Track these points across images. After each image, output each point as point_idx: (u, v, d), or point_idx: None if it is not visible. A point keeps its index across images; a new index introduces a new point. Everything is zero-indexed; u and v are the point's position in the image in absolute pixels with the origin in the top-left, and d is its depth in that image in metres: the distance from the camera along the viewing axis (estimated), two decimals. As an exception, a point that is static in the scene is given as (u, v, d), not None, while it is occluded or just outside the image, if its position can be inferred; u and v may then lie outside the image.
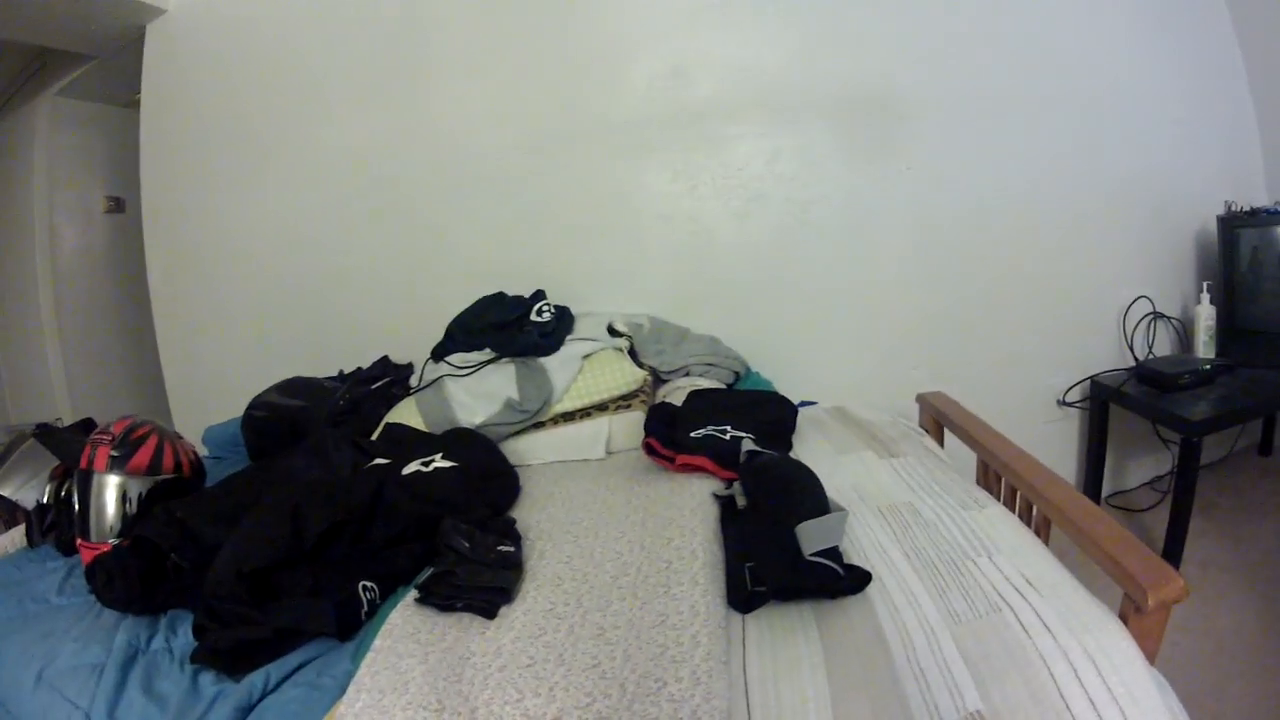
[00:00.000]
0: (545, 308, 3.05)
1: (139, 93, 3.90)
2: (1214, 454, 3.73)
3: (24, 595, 2.11)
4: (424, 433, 2.66)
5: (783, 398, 2.70)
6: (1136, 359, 3.49)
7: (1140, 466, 3.84)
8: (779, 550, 1.66)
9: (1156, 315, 3.52)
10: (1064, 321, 3.53)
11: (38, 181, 4.67)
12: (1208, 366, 3.21)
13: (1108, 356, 3.56)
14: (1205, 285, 3.40)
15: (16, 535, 2.47)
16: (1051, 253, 3.45)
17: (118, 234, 5.00)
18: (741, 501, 1.99)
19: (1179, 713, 1.37)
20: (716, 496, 2.08)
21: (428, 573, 1.83)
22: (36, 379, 4.92)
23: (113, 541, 2.10)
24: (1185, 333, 3.59)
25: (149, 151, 3.93)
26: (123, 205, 4.99)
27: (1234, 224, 3.36)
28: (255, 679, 1.61)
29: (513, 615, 1.68)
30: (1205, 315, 3.41)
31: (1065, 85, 3.32)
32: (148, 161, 3.94)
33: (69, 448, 2.44)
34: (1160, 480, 3.79)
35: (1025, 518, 2.06)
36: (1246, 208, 3.34)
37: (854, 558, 1.75)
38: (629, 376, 2.79)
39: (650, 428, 2.38)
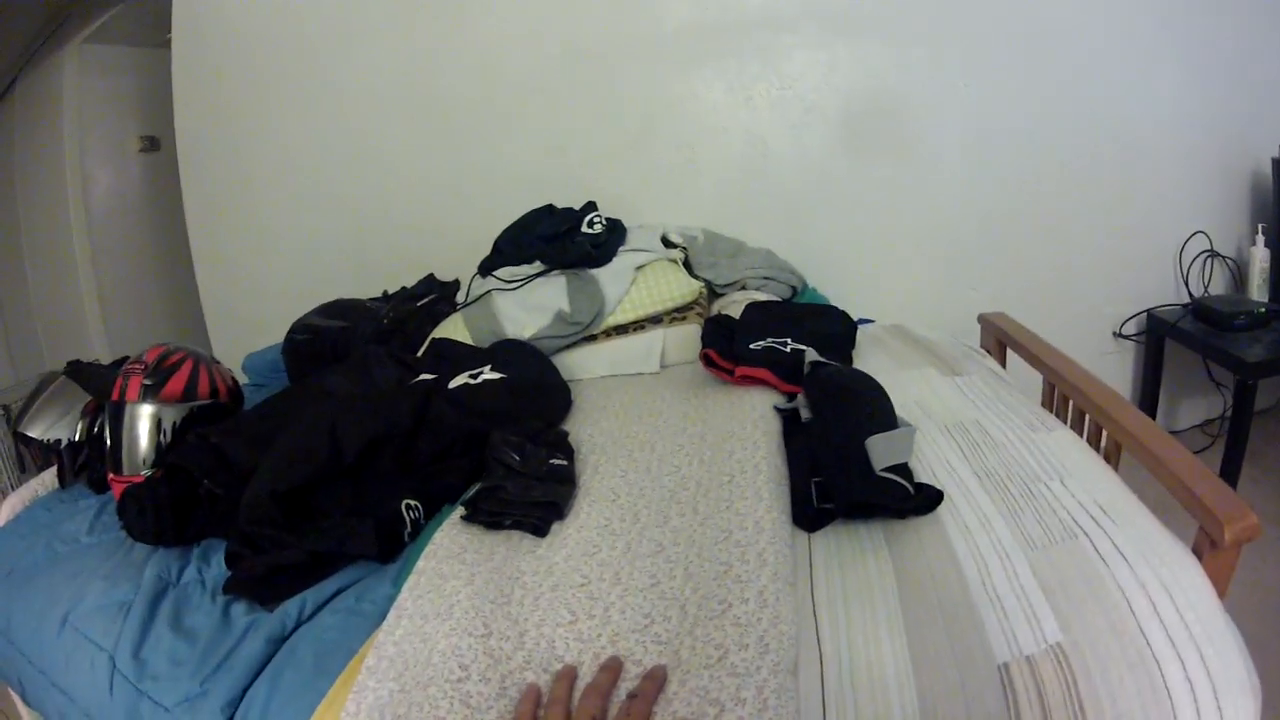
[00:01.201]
0: (596, 219, 2.98)
1: (169, 33, 3.84)
2: (1263, 402, 3.64)
3: (52, 537, 2.05)
4: (471, 346, 2.60)
5: (842, 311, 2.63)
6: (1191, 295, 3.45)
7: (1192, 409, 3.82)
8: (848, 464, 1.59)
9: (1213, 253, 3.47)
10: (1121, 251, 3.49)
11: (67, 129, 4.64)
12: (1263, 309, 3.16)
13: (1163, 291, 3.53)
14: (1260, 228, 3.35)
15: (48, 478, 2.41)
16: (1109, 182, 3.40)
17: (153, 173, 4.99)
18: (805, 414, 1.92)
19: (1248, 658, 1.30)
20: (778, 410, 2.01)
21: (475, 489, 1.77)
22: (73, 323, 4.93)
23: (145, 473, 2.03)
24: (1239, 274, 3.53)
25: (183, 89, 3.88)
26: (157, 144, 4.96)
27: (1289, 167, 3.28)
28: (290, 607, 1.55)
29: (565, 532, 1.62)
30: (1260, 258, 3.36)
31: (1124, 17, 3.24)
32: (182, 99, 3.89)
33: (100, 381, 2.40)
34: (1211, 424, 3.76)
35: (1093, 443, 2.00)
36: (1301, 151, 3.27)
37: (923, 476, 1.68)
38: (685, 287, 2.72)
39: (708, 339, 2.31)
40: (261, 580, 1.62)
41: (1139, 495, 1.64)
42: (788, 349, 2.19)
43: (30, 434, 2.36)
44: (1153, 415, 3.56)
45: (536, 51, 3.45)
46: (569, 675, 1.21)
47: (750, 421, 1.92)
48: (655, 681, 1.17)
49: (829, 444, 1.69)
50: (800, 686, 1.20)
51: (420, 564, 1.54)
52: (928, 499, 1.57)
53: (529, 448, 1.80)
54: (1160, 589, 1.32)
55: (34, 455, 2.47)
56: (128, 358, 2.23)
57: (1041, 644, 1.25)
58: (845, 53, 3.31)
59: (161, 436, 2.08)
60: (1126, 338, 3.60)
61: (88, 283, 4.78)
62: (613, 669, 1.21)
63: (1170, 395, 3.70)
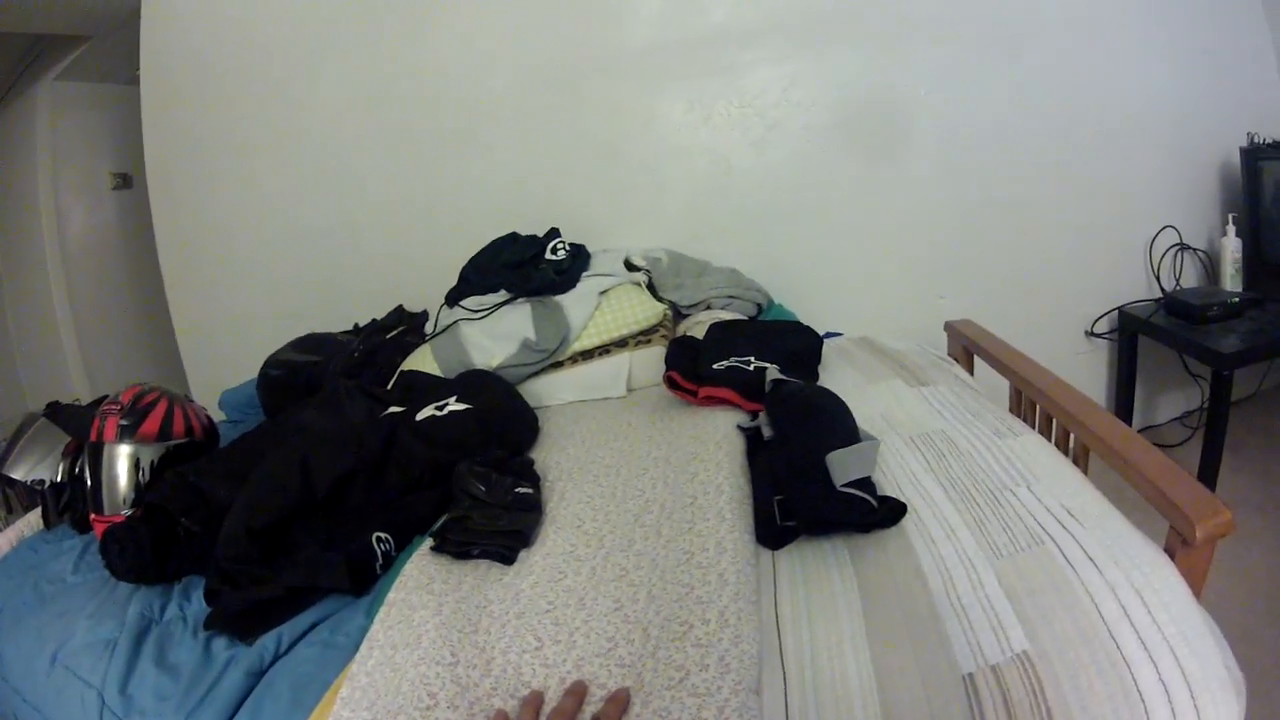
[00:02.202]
0: (560, 245, 3.01)
1: (138, 69, 3.85)
2: (1240, 391, 3.66)
3: (39, 578, 2.07)
4: (438, 377, 2.61)
5: (807, 327, 2.63)
6: (1164, 290, 3.44)
7: (1169, 402, 3.81)
8: (809, 481, 1.59)
9: (1183, 246, 3.47)
10: (1090, 250, 3.48)
11: (41, 167, 4.63)
12: (1235, 299, 3.15)
13: (1135, 287, 3.52)
14: (1231, 217, 3.34)
15: (33, 519, 2.42)
16: (1077, 180, 3.40)
17: (126, 210, 4.98)
18: (768, 432, 1.92)
19: (1229, 656, 1.30)
20: (742, 429, 2.01)
21: (443, 520, 1.78)
22: (53, 362, 4.91)
23: (126, 512, 2.05)
24: (1212, 265, 3.53)
25: (152, 124, 3.88)
26: (130, 181, 4.95)
27: (1257, 156, 3.28)
28: (267, 641, 1.58)
29: (531, 560, 1.63)
30: (1231, 248, 3.34)
31: (1087, 12, 3.25)
32: (151, 134, 3.89)
33: (79, 422, 2.40)
34: (1190, 416, 3.76)
35: (1062, 447, 2.00)
36: (1269, 140, 3.26)
37: (887, 489, 1.69)
38: (648, 310, 2.73)
39: (672, 361, 2.31)
40: (240, 615, 1.63)
41: (1117, 497, 1.64)
42: (751, 367, 2.19)
43: (13, 476, 2.37)
44: (1129, 411, 3.58)
45: (499, 79, 3.47)
46: (535, 701, 1.23)
47: (714, 442, 1.93)
48: (618, 704, 1.18)
49: (790, 461, 1.69)
50: (764, 705, 1.21)
51: (391, 595, 1.56)
52: (891, 512, 1.58)
53: (494, 477, 1.81)
54: (1131, 591, 1.32)
55: (19, 497, 2.48)
56: (106, 397, 2.24)
57: (1007, 653, 1.26)
58: (805, 68, 3.31)
59: (140, 476, 2.10)
60: (1099, 336, 3.60)
61: (65, 321, 4.77)
62: (577, 693, 1.23)
63: (1147, 390, 3.70)
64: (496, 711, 1.23)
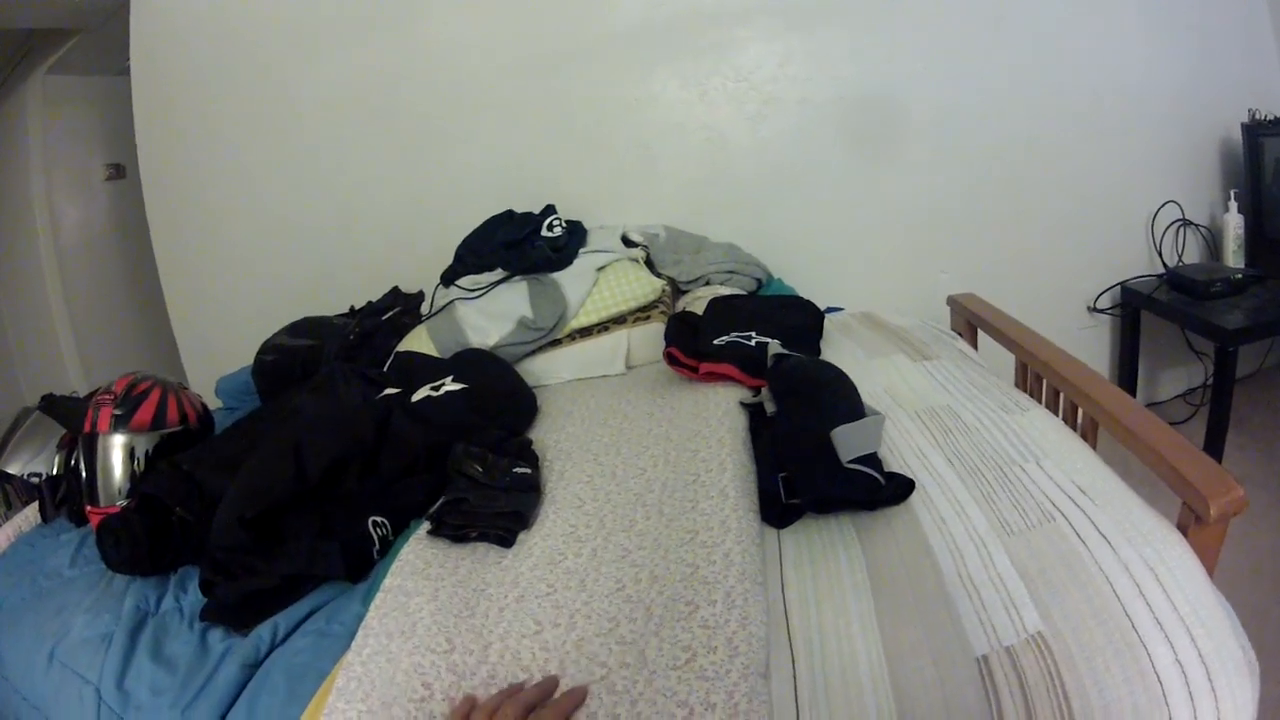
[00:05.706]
0: (556, 222, 2.98)
1: (128, 60, 3.81)
2: (1244, 369, 3.66)
3: (37, 573, 2.04)
4: (433, 358, 2.58)
5: (808, 301, 2.61)
6: (1166, 265, 3.43)
7: (1173, 379, 3.81)
8: (814, 458, 1.56)
9: (1185, 222, 3.46)
10: (1092, 225, 3.48)
11: (34, 162, 4.61)
12: (1239, 275, 3.15)
13: (1137, 263, 3.51)
14: (1232, 193, 3.34)
15: (30, 513, 2.40)
16: (1077, 155, 3.40)
17: (120, 201, 4.92)
18: (771, 408, 1.90)
19: (1242, 635, 1.27)
20: (744, 405, 1.98)
21: (440, 502, 1.74)
22: (50, 357, 4.89)
23: (121, 503, 2.03)
24: (1214, 241, 3.52)
25: (143, 116, 3.83)
26: (123, 171, 4.90)
27: (1258, 132, 3.27)
28: (263, 632, 1.55)
29: (531, 541, 1.60)
30: (1234, 224, 3.34)
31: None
32: (143, 126, 3.85)
33: (74, 414, 2.38)
34: (1193, 393, 3.75)
35: (1069, 422, 1.98)
36: (1270, 116, 3.26)
37: (893, 465, 1.67)
38: (647, 286, 2.70)
39: (671, 337, 2.29)
40: (235, 606, 1.61)
41: (1124, 472, 1.61)
42: (752, 342, 2.17)
43: (9, 471, 2.35)
44: (1133, 387, 3.58)
45: (491, 61, 3.45)
46: (510, 690, 1.21)
47: (715, 419, 1.90)
48: (572, 697, 1.16)
49: (794, 437, 1.67)
50: (772, 688, 1.18)
51: (387, 581, 1.52)
52: (899, 489, 1.55)
53: (491, 459, 1.78)
54: (1145, 569, 1.30)
55: (16, 492, 2.46)
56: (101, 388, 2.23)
57: (1021, 634, 1.23)
58: (799, 43, 3.29)
59: (135, 466, 2.08)
60: (1102, 311, 3.58)
61: (61, 314, 4.75)
62: (546, 687, 1.20)
63: (1150, 367, 3.69)
64: (464, 697, 1.21)
